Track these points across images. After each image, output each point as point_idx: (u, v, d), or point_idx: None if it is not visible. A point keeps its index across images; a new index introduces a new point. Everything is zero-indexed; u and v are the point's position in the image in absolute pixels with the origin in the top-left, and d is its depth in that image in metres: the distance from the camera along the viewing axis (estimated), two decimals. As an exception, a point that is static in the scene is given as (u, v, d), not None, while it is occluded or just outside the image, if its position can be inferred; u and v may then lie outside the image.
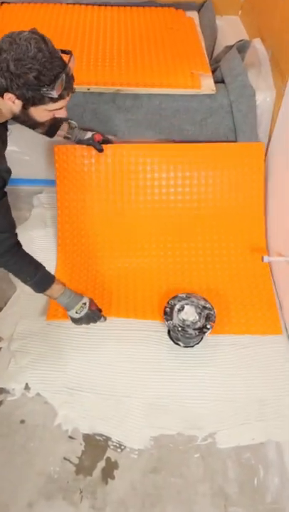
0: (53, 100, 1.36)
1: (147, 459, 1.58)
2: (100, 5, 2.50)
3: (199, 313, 1.81)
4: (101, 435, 1.63)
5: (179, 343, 1.85)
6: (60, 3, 2.50)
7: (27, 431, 1.63)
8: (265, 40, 2.17)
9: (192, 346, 1.85)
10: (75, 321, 1.80)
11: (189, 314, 1.80)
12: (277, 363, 1.83)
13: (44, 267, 1.70)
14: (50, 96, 1.33)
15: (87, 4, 2.50)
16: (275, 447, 1.62)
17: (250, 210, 2.16)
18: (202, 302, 1.84)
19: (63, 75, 1.33)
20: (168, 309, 1.82)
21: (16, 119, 1.45)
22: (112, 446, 1.61)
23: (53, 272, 1.98)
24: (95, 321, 1.81)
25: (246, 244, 2.17)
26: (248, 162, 2.11)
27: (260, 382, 1.78)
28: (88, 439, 1.62)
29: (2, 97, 1.34)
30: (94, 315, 1.80)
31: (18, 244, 1.63)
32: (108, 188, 2.15)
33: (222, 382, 1.77)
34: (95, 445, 1.61)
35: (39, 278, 1.67)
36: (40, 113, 1.40)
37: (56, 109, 1.42)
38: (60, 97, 1.37)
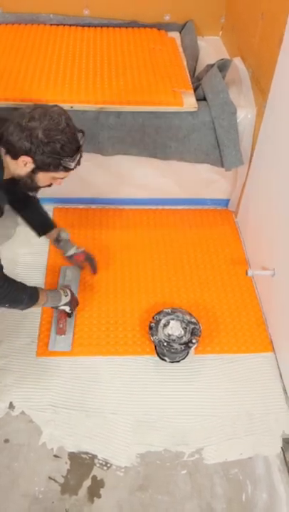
0: (66, 170, 1.49)
1: (134, 477, 1.56)
2: (83, 26, 2.54)
3: (184, 328, 1.80)
4: (87, 453, 1.61)
5: (165, 358, 1.84)
6: (44, 24, 2.53)
7: (11, 450, 1.60)
8: (245, 59, 2.22)
9: (178, 361, 1.84)
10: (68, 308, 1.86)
11: (174, 329, 1.80)
12: (264, 377, 1.83)
13: (28, 287, 1.67)
14: (67, 166, 1.47)
15: (70, 25, 2.54)
16: (263, 462, 1.61)
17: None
18: (187, 317, 1.84)
19: (81, 150, 1.50)
20: (153, 324, 1.82)
21: (16, 179, 1.53)
22: (98, 464, 1.58)
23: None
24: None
25: (229, 257, 2.23)
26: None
27: (248, 396, 1.77)
28: (74, 457, 1.60)
29: (17, 158, 1.44)
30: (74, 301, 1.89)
31: (6, 277, 1.60)
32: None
33: (209, 397, 1.76)
34: (81, 463, 1.58)
35: (28, 300, 1.66)
36: (45, 179, 1.53)
37: (60, 178, 1.56)
38: (72, 169, 1.50)
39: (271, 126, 1.90)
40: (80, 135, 1.49)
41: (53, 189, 1.68)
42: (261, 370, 1.85)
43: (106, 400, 1.73)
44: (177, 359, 1.84)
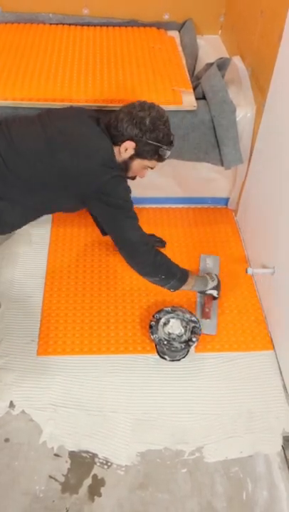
0: (158, 159, 1.69)
1: (134, 475, 1.56)
2: (82, 25, 2.55)
3: (185, 327, 1.81)
4: (87, 452, 1.60)
5: (165, 357, 1.84)
6: (44, 23, 2.54)
7: (11, 449, 1.60)
8: (244, 57, 2.22)
9: (178, 360, 1.84)
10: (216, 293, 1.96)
11: (175, 328, 1.80)
12: (264, 375, 1.83)
13: (170, 264, 1.82)
14: (162, 155, 1.67)
15: (70, 24, 2.54)
16: (264, 460, 1.61)
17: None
18: (188, 315, 1.84)
19: (173, 145, 1.69)
20: (153, 323, 1.82)
21: None
22: (98, 463, 1.58)
23: (41, 293, 2.04)
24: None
25: (229, 255, 2.23)
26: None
27: (248, 394, 1.77)
28: (74, 456, 1.59)
29: (120, 144, 1.63)
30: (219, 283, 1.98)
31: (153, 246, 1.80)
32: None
33: (209, 396, 1.76)
34: (81, 462, 1.58)
35: (180, 275, 1.82)
36: (138, 167, 1.71)
37: (149, 167, 1.73)
38: (164, 158, 1.70)
39: (270, 125, 1.90)
40: (172, 134, 1.69)
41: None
42: (261, 368, 1.85)
43: (106, 399, 1.73)
44: (177, 358, 1.84)
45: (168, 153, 1.67)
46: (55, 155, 1.60)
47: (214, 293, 1.94)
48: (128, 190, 1.69)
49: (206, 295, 1.96)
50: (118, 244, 1.77)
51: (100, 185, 1.61)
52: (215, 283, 1.94)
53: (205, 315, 1.94)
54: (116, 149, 1.65)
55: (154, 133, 1.61)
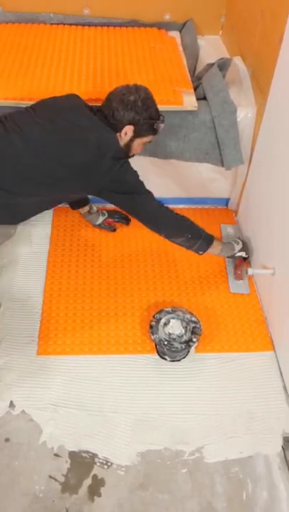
0: (153, 133, 1.80)
1: (134, 476, 1.56)
2: (83, 25, 2.55)
3: (185, 327, 1.81)
4: (87, 452, 1.60)
5: (166, 357, 1.84)
6: (45, 23, 2.54)
7: (11, 449, 1.60)
8: (245, 58, 2.22)
9: (179, 360, 1.84)
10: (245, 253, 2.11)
11: (175, 328, 1.80)
12: (264, 375, 1.83)
13: (190, 225, 1.93)
14: (158, 128, 1.78)
15: (71, 24, 2.54)
16: (264, 460, 1.61)
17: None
18: (188, 316, 1.84)
19: (163, 116, 1.79)
20: (153, 323, 1.82)
21: None
22: (98, 463, 1.58)
23: (41, 293, 2.05)
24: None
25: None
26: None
27: (248, 395, 1.77)
28: (74, 456, 1.59)
29: (120, 130, 1.73)
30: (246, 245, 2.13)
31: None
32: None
33: (209, 396, 1.76)
34: (81, 462, 1.58)
35: (205, 235, 1.93)
36: (137, 145, 1.82)
37: (146, 142, 1.85)
38: (158, 131, 1.80)
39: (271, 126, 1.90)
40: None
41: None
42: (262, 368, 1.85)
43: (106, 399, 1.73)
44: (178, 358, 1.84)
45: (162, 125, 1.79)
46: (68, 151, 1.68)
47: (243, 254, 2.07)
48: (135, 172, 1.79)
49: (236, 258, 2.09)
50: (141, 221, 1.87)
51: (113, 176, 1.70)
52: (240, 245, 2.08)
53: (237, 277, 2.11)
54: (117, 136, 1.75)
55: (147, 112, 1.72)
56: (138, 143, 1.81)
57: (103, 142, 1.69)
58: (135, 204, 1.81)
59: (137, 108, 1.70)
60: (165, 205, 1.86)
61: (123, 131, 1.74)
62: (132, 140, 1.78)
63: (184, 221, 1.88)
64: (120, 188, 1.75)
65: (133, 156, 1.88)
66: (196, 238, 1.89)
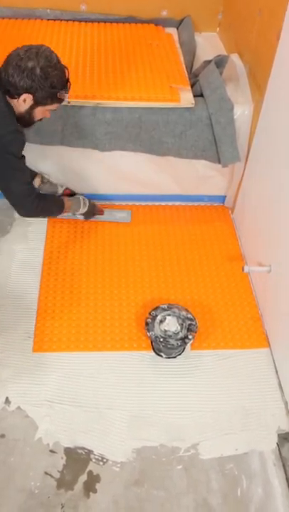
0: (58, 101, 1.69)
1: (130, 472, 1.56)
2: (80, 21, 2.53)
3: (181, 324, 1.81)
4: (83, 448, 1.61)
5: (161, 354, 1.84)
6: (41, 19, 2.52)
7: (7, 446, 1.60)
8: (242, 55, 2.22)
9: (174, 357, 1.84)
10: (85, 216, 2.24)
11: (171, 325, 1.80)
12: (260, 372, 1.84)
13: (56, 198, 2.06)
14: (62, 98, 1.69)
15: (67, 20, 2.53)
16: (259, 457, 1.62)
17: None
18: (184, 313, 1.85)
19: (69, 84, 1.69)
20: (149, 320, 1.82)
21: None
22: (94, 460, 1.58)
23: (37, 289, 2.05)
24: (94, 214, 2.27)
25: (225, 253, 2.24)
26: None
27: (244, 392, 1.78)
28: (70, 452, 1.59)
29: (17, 97, 1.61)
30: (93, 209, 2.25)
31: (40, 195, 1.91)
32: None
33: (205, 393, 1.77)
34: (77, 459, 1.58)
35: (60, 209, 2.02)
36: (41, 113, 1.71)
37: (53, 109, 1.74)
38: (64, 100, 1.72)
39: (268, 123, 1.90)
40: (66, 69, 1.68)
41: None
42: (257, 365, 1.86)
43: (102, 396, 1.73)
44: (173, 355, 1.84)
45: (67, 95, 1.70)
46: None
47: (80, 217, 2.23)
48: (22, 143, 1.72)
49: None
50: (3, 193, 1.82)
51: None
52: (86, 209, 2.18)
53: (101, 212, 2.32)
54: (14, 101, 1.64)
55: (47, 81, 1.59)
56: (41, 110, 1.70)
57: None
58: (4, 175, 1.73)
59: (34, 76, 1.56)
60: (34, 195, 1.84)
61: (21, 98, 1.61)
62: (32, 108, 1.66)
63: (41, 212, 1.94)
64: (1, 155, 1.66)
65: (40, 120, 1.77)
66: (51, 215, 2.10)
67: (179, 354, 1.84)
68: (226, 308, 2.04)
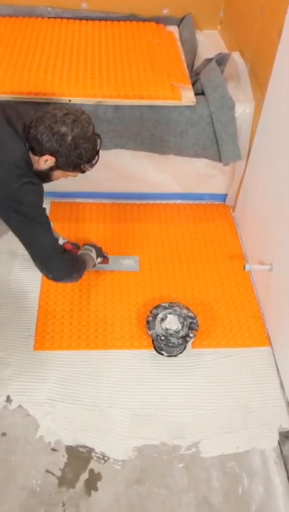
0: (80, 171, 1.63)
1: (131, 470, 1.56)
2: (81, 19, 2.53)
3: (182, 323, 1.81)
4: (84, 446, 1.61)
5: (163, 352, 1.84)
6: (42, 17, 2.52)
7: (8, 444, 1.60)
8: (243, 53, 2.22)
9: (175, 355, 1.84)
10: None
11: (172, 323, 1.80)
12: (261, 371, 1.84)
13: (79, 255, 1.94)
14: (85, 170, 1.62)
15: (68, 18, 2.53)
16: (260, 455, 1.62)
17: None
18: (185, 311, 1.85)
19: (98, 157, 1.62)
20: (150, 318, 1.82)
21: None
22: (95, 458, 1.58)
23: (38, 288, 2.05)
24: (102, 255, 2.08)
25: (226, 252, 2.25)
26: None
27: (245, 390, 1.78)
28: (71, 450, 1.60)
29: (40, 155, 1.55)
30: (101, 251, 2.06)
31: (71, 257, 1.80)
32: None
33: (206, 391, 1.77)
34: (78, 457, 1.58)
35: (84, 266, 1.88)
36: (59, 175, 1.67)
37: (72, 176, 1.68)
38: (85, 171, 1.64)
39: (269, 121, 1.90)
40: (98, 141, 1.61)
41: (50, 184, 1.72)
42: (258, 364, 1.86)
43: (103, 394, 1.73)
44: (174, 353, 1.84)
45: (91, 168, 1.63)
46: None
47: (97, 261, 2.03)
48: (41, 195, 1.60)
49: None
50: (31, 253, 1.68)
51: (12, 191, 1.50)
52: (94, 251, 2.01)
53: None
54: (34, 158, 1.57)
55: (75, 151, 1.53)
56: (61, 174, 1.65)
57: (2, 148, 1.50)
58: (29, 230, 1.60)
59: (63, 142, 1.51)
60: (63, 249, 1.74)
61: (43, 157, 1.55)
62: (52, 169, 1.61)
63: (74, 268, 1.78)
64: (19, 209, 1.53)
65: (51, 181, 1.70)
66: (81, 274, 1.84)
67: (180, 352, 1.85)
68: (227, 306, 2.04)
